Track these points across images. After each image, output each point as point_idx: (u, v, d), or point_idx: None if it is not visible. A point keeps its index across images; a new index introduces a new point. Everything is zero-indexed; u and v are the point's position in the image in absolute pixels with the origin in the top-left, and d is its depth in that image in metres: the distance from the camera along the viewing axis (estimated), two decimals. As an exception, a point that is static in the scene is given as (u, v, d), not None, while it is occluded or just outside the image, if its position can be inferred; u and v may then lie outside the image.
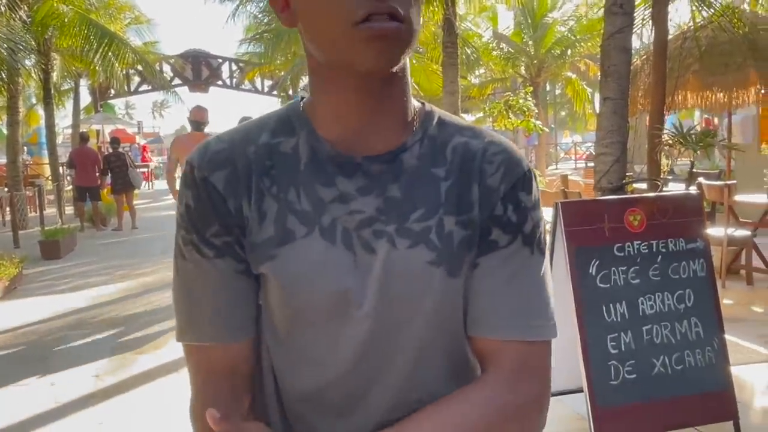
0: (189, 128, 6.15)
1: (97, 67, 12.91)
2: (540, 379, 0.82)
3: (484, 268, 0.82)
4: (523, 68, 19.61)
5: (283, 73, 20.73)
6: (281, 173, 0.81)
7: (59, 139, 19.86)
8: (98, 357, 4.51)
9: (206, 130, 6.11)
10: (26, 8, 11.45)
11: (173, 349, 4.52)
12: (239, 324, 0.83)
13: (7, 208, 11.69)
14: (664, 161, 7.26)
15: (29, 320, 5.57)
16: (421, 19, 0.79)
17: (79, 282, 7.18)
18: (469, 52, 14.75)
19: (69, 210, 13.73)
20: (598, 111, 4.91)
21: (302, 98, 0.87)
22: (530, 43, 19.51)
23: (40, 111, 17.94)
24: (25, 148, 17.90)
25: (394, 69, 0.76)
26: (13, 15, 10.68)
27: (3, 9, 10.43)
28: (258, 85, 26.04)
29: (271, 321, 0.84)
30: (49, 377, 4.15)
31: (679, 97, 7.58)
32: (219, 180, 0.80)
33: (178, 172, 4.73)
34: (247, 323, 0.84)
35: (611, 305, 2.79)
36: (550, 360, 0.84)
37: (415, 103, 0.84)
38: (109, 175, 11.57)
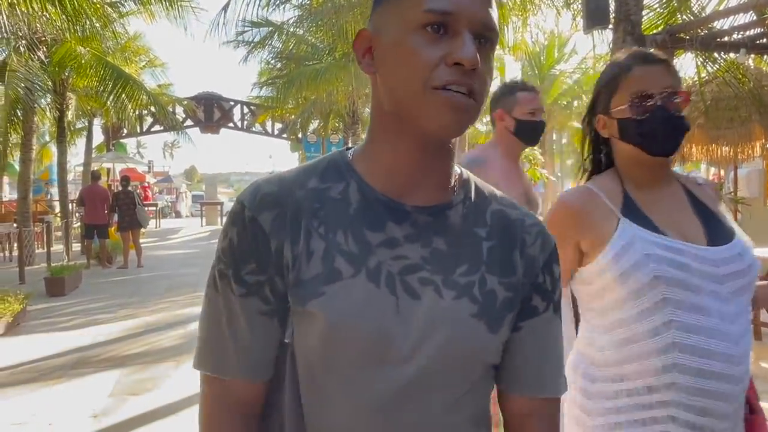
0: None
1: (110, 108, 13.14)
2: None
3: (527, 332, 0.90)
4: (530, 117, 19.85)
5: (293, 117, 21.06)
6: (329, 215, 0.84)
7: (70, 177, 20.10)
8: (97, 397, 4.46)
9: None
10: (45, 49, 11.76)
11: (172, 391, 4.47)
12: (257, 363, 0.86)
13: (15, 244, 11.75)
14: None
15: (30, 357, 5.53)
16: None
17: (82, 320, 7.15)
18: (476, 100, 14.95)
19: (76, 246, 13.78)
20: (604, 162, 4.94)
21: (348, 149, 0.91)
22: (537, 93, 19.81)
23: (53, 148, 18.20)
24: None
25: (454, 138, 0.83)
26: (32, 56, 10.96)
27: (22, 50, 10.71)
28: (268, 128, 26.41)
29: (305, 361, 0.84)
30: (47, 416, 4.10)
31: (685, 150, 7.63)
32: (266, 220, 0.83)
33: None
34: (265, 363, 0.87)
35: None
36: None
37: (455, 169, 0.90)
38: (117, 212, 11.65)
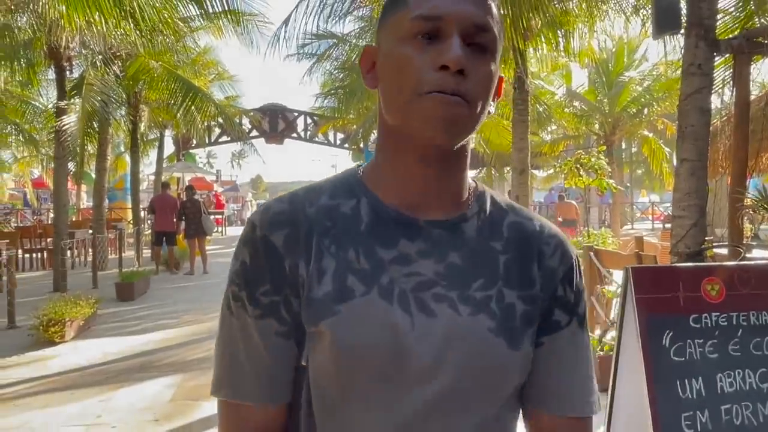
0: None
1: (180, 120, 13.61)
2: None
3: (550, 348, 0.86)
4: (597, 126, 19.32)
5: (355, 126, 21.24)
6: (340, 233, 0.83)
7: (143, 186, 20.94)
8: (159, 401, 4.58)
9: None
10: (119, 64, 12.29)
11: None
12: (276, 386, 0.84)
13: (89, 250, 12.27)
14: (747, 226, 6.89)
15: (97, 360, 5.75)
16: (491, 107, 0.82)
17: (149, 324, 7.39)
18: (540, 109, 14.69)
19: (147, 253, 14.30)
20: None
21: (359, 166, 0.90)
22: (605, 101, 19.26)
23: (127, 158, 18.99)
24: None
25: (453, 147, 0.79)
26: (107, 70, 11.47)
27: (98, 64, 11.22)
28: (331, 138, 26.76)
29: (319, 384, 0.82)
30: (110, 418, 4.22)
31: (763, 160, 7.23)
32: (279, 239, 0.82)
33: None
34: (284, 386, 0.84)
35: (686, 381, 2.59)
36: None
37: (469, 182, 0.88)
38: (183, 220, 12.00)
